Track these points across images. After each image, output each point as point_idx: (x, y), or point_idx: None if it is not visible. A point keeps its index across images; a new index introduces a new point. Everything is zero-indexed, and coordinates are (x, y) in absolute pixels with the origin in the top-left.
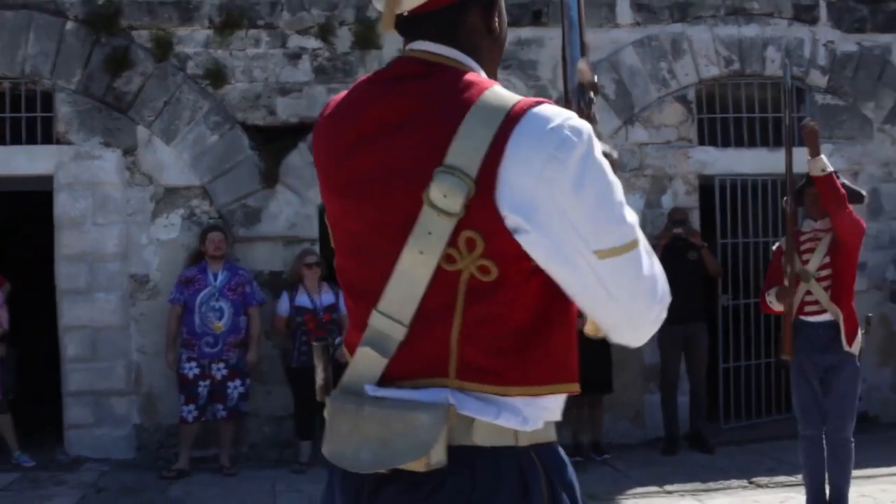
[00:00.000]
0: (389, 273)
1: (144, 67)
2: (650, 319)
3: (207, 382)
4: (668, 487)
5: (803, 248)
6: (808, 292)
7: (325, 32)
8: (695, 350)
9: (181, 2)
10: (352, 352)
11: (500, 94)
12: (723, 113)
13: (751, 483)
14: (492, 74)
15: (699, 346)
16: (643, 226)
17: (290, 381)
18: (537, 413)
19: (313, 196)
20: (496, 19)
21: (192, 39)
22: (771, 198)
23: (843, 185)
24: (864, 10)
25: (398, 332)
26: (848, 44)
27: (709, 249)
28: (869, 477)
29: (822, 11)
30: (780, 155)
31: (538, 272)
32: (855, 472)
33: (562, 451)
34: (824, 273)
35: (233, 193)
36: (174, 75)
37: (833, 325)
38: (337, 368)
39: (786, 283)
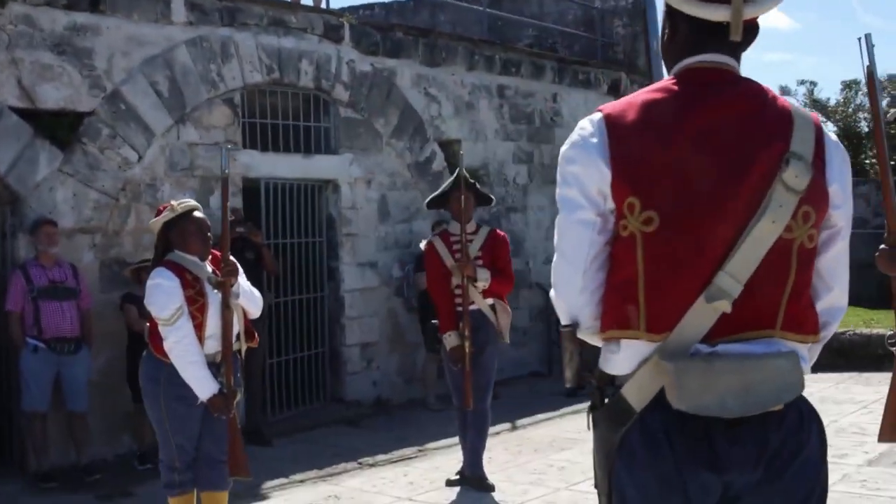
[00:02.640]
0: (733, 240)
1: None
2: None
3: None
4: (296, 477)
5: (454, 247)
6: (459, 286)
7: None
8: (255, 348)
9: None
10: (657, 321)
11: (796, 104)
12: (264, 118)
13: (360, 463)
14: None
15: (260, 343)
16: None
17: None
18: None
19: None
20: None
21: None
22: (306, 201)
23: (477, 190)
24: (377, 35)
25: (736, 291)
26: (365, 64)
27: (268, 248)
28: (382, 464)
29: (346, 32)
30: (313, 161)
31: None
32: (370, 459)
33: None
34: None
35: None
36: None
37: (481, 314)
38: None
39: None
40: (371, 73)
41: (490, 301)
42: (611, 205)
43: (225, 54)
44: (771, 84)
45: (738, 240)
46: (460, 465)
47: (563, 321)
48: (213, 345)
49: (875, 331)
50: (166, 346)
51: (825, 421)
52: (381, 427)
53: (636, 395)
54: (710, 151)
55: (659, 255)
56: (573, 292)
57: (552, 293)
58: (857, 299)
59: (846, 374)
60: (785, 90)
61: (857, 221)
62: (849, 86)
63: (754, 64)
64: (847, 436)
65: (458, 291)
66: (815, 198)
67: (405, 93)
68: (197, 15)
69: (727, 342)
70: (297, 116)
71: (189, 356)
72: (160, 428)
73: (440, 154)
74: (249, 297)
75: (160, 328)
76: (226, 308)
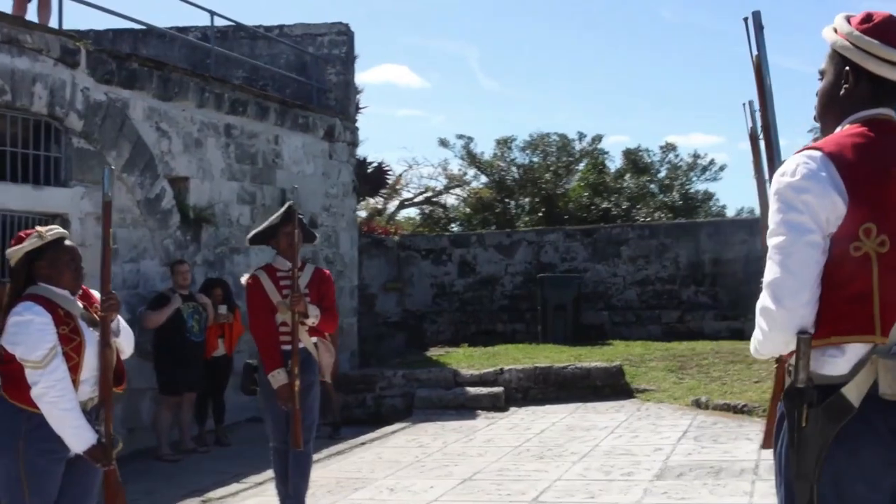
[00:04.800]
0: None
1: None
2: None
3: None
4: None
5: (282, 283)
6: (285, 323)
7: None
8: None
9: None
10: (886, 327)
11: None
12: None
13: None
14: None
15: None
16: None
17: None
18: None
19: None
20: None
21: None
22: None
23: (304, 226)
24: (113, 64)
25: None
26: (99, 93)
27: None
28: None
29: (83, 58)
30: (43, 193)
31: None
32: None
33: None
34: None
35: None
36: None
37: (307, 352)
38: None
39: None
40: (105, 102)
41: (314, 340)
42: (832, 229)
43: None
44: (438, 138)
45: None
46: None
47: (786, 331)
48: (86, 390)
49: (593, 364)
50: (35, 392)
51: (588, 447)
52: None
53: (855, 392)
54: None
55: (889, 272)
56: (799, 305)
57: (770, 306)
58: (558, 339)
59: (573, 405)
60: (444, 142)
61: (548, 266)
62: (504, 142)
63: (388, 119)
64: (618, 456)
65: (283, 329)
66: None
67: (137, 126)
68: None
69: None
70: (26, 144)
71: (63, 403)
72: (13, 488)
73: (169, 191)
74: (126, 335)
75: (28, 372)
76: (106, 347)
